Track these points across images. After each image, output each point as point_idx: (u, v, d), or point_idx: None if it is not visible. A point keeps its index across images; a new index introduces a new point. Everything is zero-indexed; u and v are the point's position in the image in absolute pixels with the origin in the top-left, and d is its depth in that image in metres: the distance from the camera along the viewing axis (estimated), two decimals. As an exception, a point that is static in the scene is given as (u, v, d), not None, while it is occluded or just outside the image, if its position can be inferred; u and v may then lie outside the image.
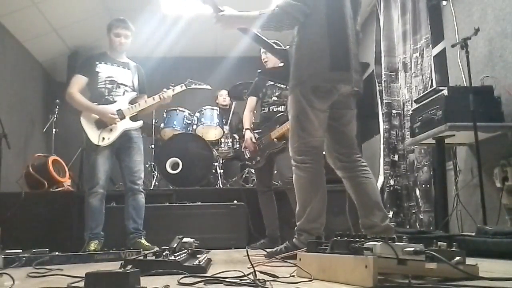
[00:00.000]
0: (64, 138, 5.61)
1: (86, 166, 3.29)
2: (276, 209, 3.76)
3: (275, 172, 3.84)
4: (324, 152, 2.45)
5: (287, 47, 2.51)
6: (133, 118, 3.46)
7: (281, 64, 2.70)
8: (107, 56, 3.48)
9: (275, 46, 2.58)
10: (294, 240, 2.31)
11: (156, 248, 2.88)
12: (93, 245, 3.13)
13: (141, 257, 1.74)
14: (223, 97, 5.53)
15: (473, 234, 2.46)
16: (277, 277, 1.44)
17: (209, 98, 5.54)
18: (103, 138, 3.28)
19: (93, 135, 3.27)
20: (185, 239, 2.15)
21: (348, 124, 2.42)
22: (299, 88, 2.26)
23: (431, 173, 3.85)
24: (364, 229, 2.31)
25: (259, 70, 2.71)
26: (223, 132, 5.13)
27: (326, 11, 2.25)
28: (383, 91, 4.62)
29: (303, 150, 2.29)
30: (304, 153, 2.29)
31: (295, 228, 2.34)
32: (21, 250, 2.32)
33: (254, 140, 3.84)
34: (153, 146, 5.18)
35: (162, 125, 5.13)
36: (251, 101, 4.00)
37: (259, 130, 3.88)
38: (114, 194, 3.85)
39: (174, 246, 1.92)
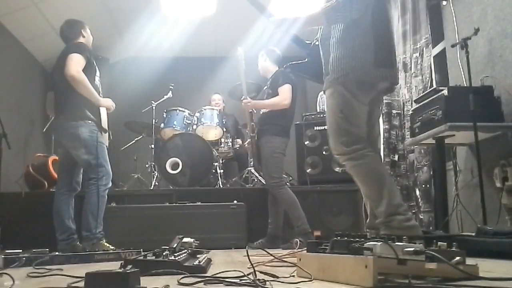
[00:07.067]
0: (64, 138, 5.61)
1: (92, 161, 3.11)
2: (282, 209, 3.76)
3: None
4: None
5: (315, 41, 2.46)
6: None
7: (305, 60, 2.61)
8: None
9: (306, 41, 2.52)
10: (382, 233, 2.07)
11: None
12: (106, 243, 3.06)
13: (141, 257, 1.74)
14: (216, 101, 5.53)
15: (473, 234, 2.46)
16: (277, 277, 1.44)
17: (207, 101, 5.56)
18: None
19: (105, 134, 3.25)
20: (185, 239, 2.15)
21: (376, 122, 2.43)
22: (341, 81, 2.20)
23: (431, 173, 3.85)
24: (370, 229, 2.27)
25: (287, 65, 2.65)
26: (223, 132, 5.13)
27: (372, 5, 2.21)
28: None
29: (352, 140, 2.21)
30: (354, 142, 2.21)
31: (378, 221, 2.14)
32: (21, 250, 2.32)
33: (246, 144, 3.97)
34: (153, 146, 5.18)
35: (162, 125, 5.13)
36: None
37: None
38: (114, 194, 3.86)
39: (174, 246, 1.92)
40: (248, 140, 3.96)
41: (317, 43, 2.43)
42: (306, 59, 2.51)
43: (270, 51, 3.98)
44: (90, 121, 3.16)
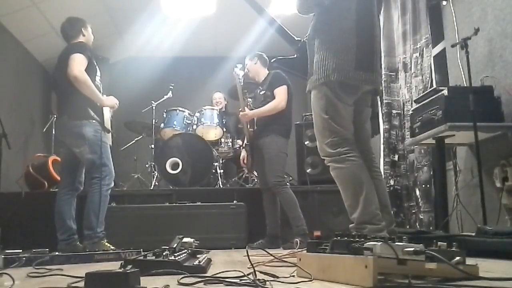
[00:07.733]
0: (64, 138, 5.61)
1: (97, 160, 3.13)
2: (279, 209, 3.77)
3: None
4: None
5: (305, 39, 2.49)
6: None
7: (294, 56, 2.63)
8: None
9: (295, 37, 2.54)
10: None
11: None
12: (107, 243, 3.07)
13: (141, 257, 1.74)
14: (217, 100, 5.53)
15: (473, 234, 2.46)
16: (277, 277, 1.44)
17: (207, 101, 5.56)
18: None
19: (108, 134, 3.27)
20: (185, 239, 2.15)
21: (366, 122, 2.44)
22: (325, 83, 2.24)
23: (431, 173, 3.85)
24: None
25: (274, 59, 2.68)
26: (223, 132, 5.13)
27: (356, 8, 2.24)
28: (383, 91, 4.61)
29: (338, 142, 2.23)
30: (339, 145, 2.22)
31: (351, 226, 2.20)
32: (21, 250, 2.32)
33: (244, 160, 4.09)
34: (153, 146, 5.18)
35: (162, 125, 5.13)
36: None
37: None
38: (114, 194, 3.85)
39: (174, 246, 1.92)
40: (244, 154, 4.06)
41: (306, 40, 2.46)
42: (295, 55, 2.54)
43: (259, 54, 4.03)
44: (94, 121, 3.16)
